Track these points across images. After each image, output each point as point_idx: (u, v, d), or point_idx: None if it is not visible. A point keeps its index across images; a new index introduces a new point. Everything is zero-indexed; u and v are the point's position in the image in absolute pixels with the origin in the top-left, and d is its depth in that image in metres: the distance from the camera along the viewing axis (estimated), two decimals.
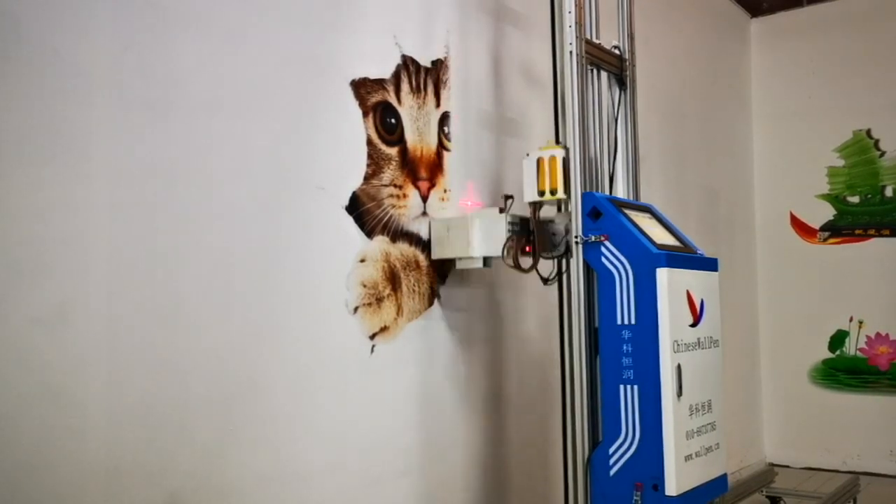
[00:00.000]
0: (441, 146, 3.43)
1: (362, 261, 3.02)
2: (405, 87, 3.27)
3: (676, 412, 2.79)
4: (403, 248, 3.21)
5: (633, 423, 2.85)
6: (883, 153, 6.38)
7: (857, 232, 6.44)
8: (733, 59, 6.77)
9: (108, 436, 2.20)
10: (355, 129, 3.04)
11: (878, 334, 6.30)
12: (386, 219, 3.14)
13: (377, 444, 3.06)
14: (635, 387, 2.85)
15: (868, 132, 6.43)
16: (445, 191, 3.43)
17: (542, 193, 3.11)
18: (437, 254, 3.33)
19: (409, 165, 3.25)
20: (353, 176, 3.02)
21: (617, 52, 3.49)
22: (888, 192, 6.35)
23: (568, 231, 3.09)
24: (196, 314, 2.45)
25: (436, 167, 3.39)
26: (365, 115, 3.08)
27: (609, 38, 3.48)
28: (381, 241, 3.11)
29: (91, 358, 2.18)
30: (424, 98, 3.36)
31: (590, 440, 2.99)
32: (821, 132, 6.58)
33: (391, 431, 3.13)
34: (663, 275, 2.82)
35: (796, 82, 6.73)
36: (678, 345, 2.85)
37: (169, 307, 2.37)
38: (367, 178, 3.06)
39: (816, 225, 6.61)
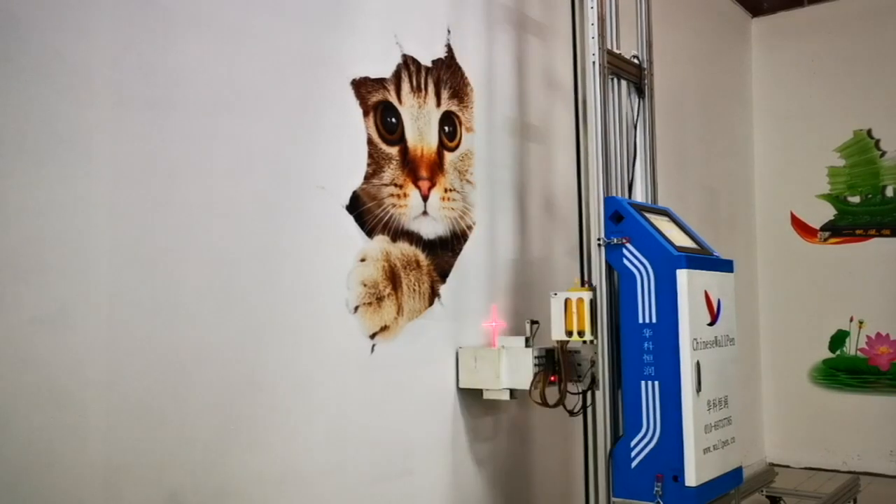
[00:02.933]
0: (442, 146, 3.43)
1: (363, 260, 3.02)
2: (406, 86, 3.27)
3: (696, 407, 2.92)
4: (404, 248, 3.21)
5: (654, 418, 2.97)
6: (884, 153, 6.37)
7: (857, 232, 6.43)
8: (734, 58, 6.77)
9: (108, 435, 2.20)
10: (356, 128, 3.04)
11: (878, 334, 6.30)
12: (386, 218, 3.14)
13: (377, 444, 3.06)
14: (656, 383, 2.97)
15: (869, 132, 6.43)
16: (446, 190, 3.43)
17: (569, 334, 3.20)
18: (464, 383, 3.44)
19: (409, 165, 3.25)
20: (353, 175, 3.02)
21: (636, 61, 3.59)
22: (889, 192, 6.35)
23: (593, 363, 3.17)
24: (196, 313, 2.45)
25: (436, 167, 3.39)
26: (365, 114, 3.08)
27: (624, 47, 3.56)
28: (381, 241, 3.11)
29: (91, 357, 2.18)
30: (425, 97, 3.36)
31: (611, 434, 3.10)
32: (821, 132, 6.57)
33: (391, 431, 3.13)
34: (683, 276, 2.94)
35: (797, 82, 6.73)
36: (697, 343, 2.98)
37: (169, 306, 2.37)
38: (367, 178, 3.06)
39: (817, 225, 6.61)
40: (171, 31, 2.42)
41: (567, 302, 3.19)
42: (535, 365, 3.28)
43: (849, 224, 6.48)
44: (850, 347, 6.39)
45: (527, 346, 3.33)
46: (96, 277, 2.20)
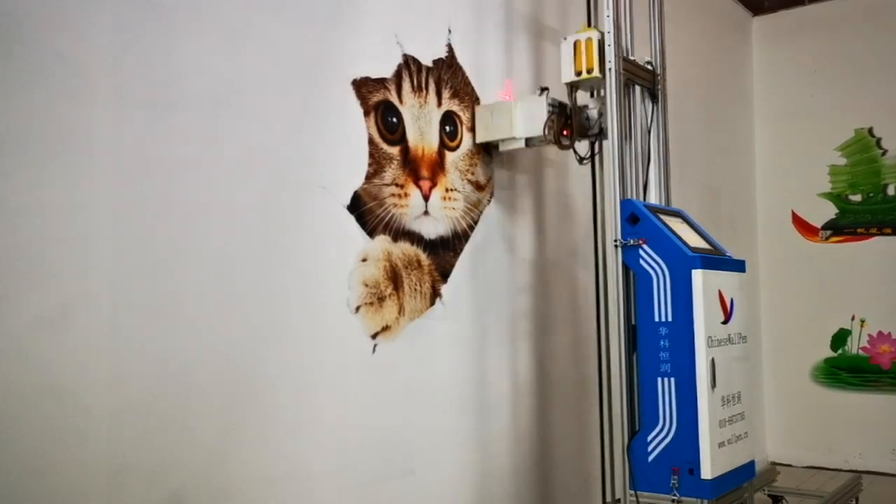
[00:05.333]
0: (443, 145, 3.43)
1: (364, 260, 3.02)
2: (406, 86, 3.27)
3: (711, 402, 3.01)
4: (405, 248, 3.21)
5: (670, 413, 3.07)
6: (885, 151, 6.36)
7: (859, 231, 6.43)
8: (735, 57, 6.76)
9: (110, 435, 2.20)
10: (357, 128, 3.04)
11: (880, 333, 6.29)
12: (387, 218, 3.13)
13: (379, 444, 3.06)
14: (672, 379, 3.07)
15: (870, 131, 6.42)
16: (447, 190, 3.43)
17: (578, 73, 3.34)
18: (480, 137, 3.59)
19: (410, 165, 3.25)
20: (354, 175, 3.01)
21: (650, 67, 3.69)
22: (890, 190, 6.34)
23: (601, 115, 3.37)
24: (198, 314, 2.45)
25: (437, 166, 3.39)
26: (366, 114, 3.07)
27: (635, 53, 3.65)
28: (382, 241, 3.11)
29: (93, 357, 2.18)
30: (426, 97, 3.36)
31: (628, 429, 3.19)
32: (823, 131, 6.56)
33: (393, 430, 3.13)
34: (698, 276, 3.04)
35: (798, 81, 6.72)
36: (711, 340, 3.07)
37: (171, 306, 2.37)
38: (368, 178, 3.06)
39: (818, 223, 6.60)
40: (171, 31, 2.42)
41: (576, 44, 3.33)
42: (549, 112, 3.43)
43: (850, 223, 6.47)
44: (852, 346, 6.39)
45: (539, 95, 3.49)
46: (98, 278, 2.20)
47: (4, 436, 1.99)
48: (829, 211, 6.56)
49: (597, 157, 3.58)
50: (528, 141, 3.53)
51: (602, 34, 3.31)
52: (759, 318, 6.71)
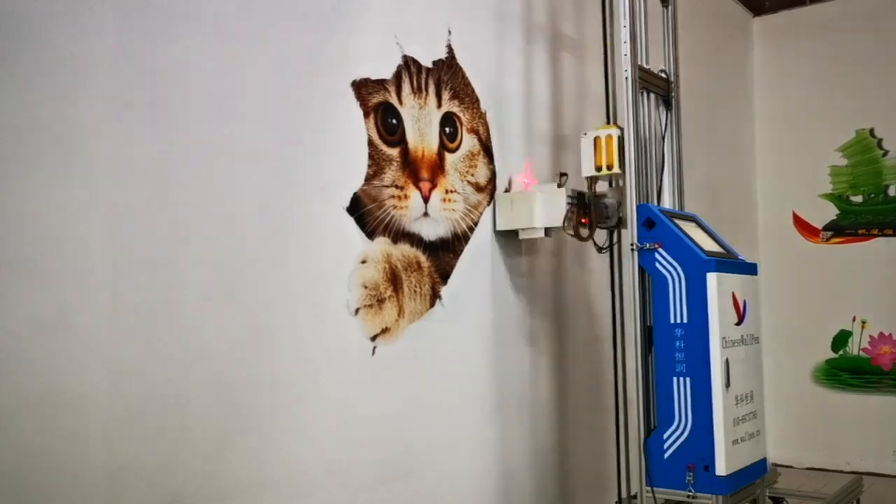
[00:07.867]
0: (443, 146, 3.42)
1: (363, 262, 3.02)
2: (406, 87, 3.26)
3: (725, 401, 3.11)
4: (405, 249, 3.20)
5: (685, 411, 3.16)
6: (886, 152, 6.35)
7: (860, 231, 6.42)
8: (736, 58, 6.75)
9: (109, 437, 2.20)
10: (356, 129, 3.03)
11: (881, 334, 6.28)
12: (387, 220, 3.13)
13: (378, 445, 3.05)
14: (688, 379, 3.16)
15: (871, 131, 6.41)
16: (447, 191, 3.43)
17: (598, 169, 3.44)
18: (501, 225, 3.67)
19: (410, 166, 3.24)
20: (354, 177, 3.01)
21: (664, 75, 3.77)
22: (891, 191, 6.33)
23: (620, 204, 3.43)
24: (197, 316, 2.44)
25: (437, 168, 3.38)
26: (366, 115, 3.07)
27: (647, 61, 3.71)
28: (382, 242, 3.10)
29: (91, 359, 2.17)
30: (426, 98, 3.35)
31: (645, 427, 3.28)
32: (823, 131, 6.55)
33: (392, 432, 3.12)
34: (713, 279, 3.13)
35: (799, 81, 6.71)
36: (726, 341, 3.16)
37: (169, 309, 2.37)
38: (368, 179, 3.05)
39: (819, 224, 6.59)
40: (171, 32, 2.42)
41: (596, 140, 3.43)
42: (568, 203, 3.50)
43: (851, 224, 6.46)
44: (853, 347, 6.38)
45: (559, 187, 3.56)
46: (96, 279, 2.20)
47: (4, 437, 1.99)
48: (830, 212, 6.55)
49: (615, 247, 3.58)
50: (548, 230, 3.59)
51: (622, 130, 3.38)
52: (759, 319, 6.69)
